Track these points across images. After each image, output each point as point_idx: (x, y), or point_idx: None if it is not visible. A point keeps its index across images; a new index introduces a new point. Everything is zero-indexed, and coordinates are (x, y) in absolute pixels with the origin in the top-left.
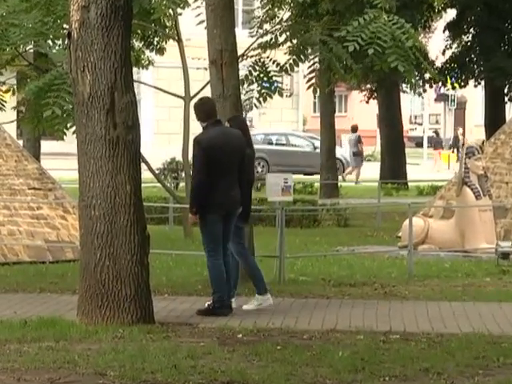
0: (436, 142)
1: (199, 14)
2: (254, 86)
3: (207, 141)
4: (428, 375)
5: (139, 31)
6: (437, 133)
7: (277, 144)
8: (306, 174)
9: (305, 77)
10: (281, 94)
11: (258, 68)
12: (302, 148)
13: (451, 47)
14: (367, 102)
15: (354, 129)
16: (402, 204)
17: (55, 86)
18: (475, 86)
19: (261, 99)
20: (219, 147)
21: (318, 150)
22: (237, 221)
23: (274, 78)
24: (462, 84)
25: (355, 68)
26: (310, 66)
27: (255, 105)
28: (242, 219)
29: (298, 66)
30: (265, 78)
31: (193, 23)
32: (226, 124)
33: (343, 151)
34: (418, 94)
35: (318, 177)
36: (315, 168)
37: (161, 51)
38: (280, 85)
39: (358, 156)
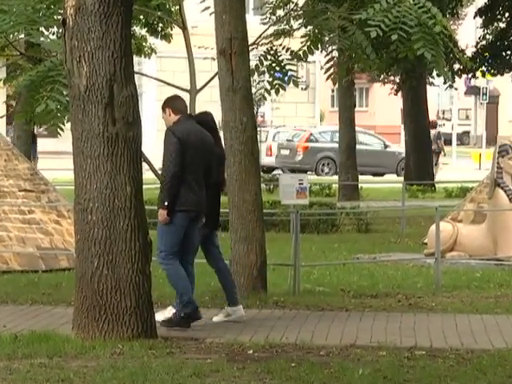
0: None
1: (204, 0)
2: (266, 77)
3: (183, 133)
4: None
5: (141, 17)
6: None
7: None
8: (375, 174)
9: (322, 68)
10: (296, 84)
11: (269, 57)
12: (371, 146)
13: (486, 38)
14: (395, 94)
15: (433, 125)
16: (428, 207)
17: (50, 79)
18: None
19: (272, 91)
20: (193, 142)
21: (389, 149)
22: (206, 228)
23: (288, 68)
24: (495, 73)
25: (374, 58)
26: (328, 54)
27: (264, 97)
28: (212, 225)
29: (312, 53)
30: (277, 68)
31: (199, 9)
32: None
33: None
34: (449, 87)
35: (385, 177)
36: (387, 168)
37: (167, 38)
38: (294, 74)
39: (437, 154)
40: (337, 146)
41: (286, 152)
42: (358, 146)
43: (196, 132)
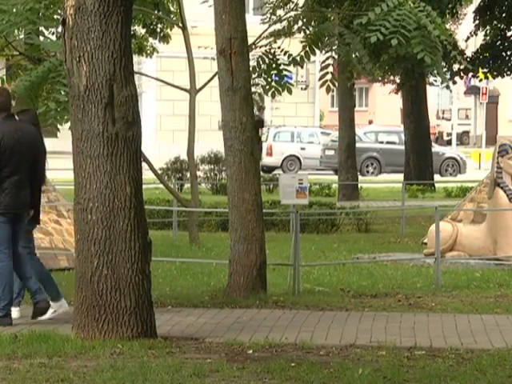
0: None
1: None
2: (261, 80)
3: (1, 135)
4: None
5: (141, 16)
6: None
7: (388, 142)
8: None
9: (321, 69)
10: (290, 91)
11: (267, 60)
12: None
13: (476, 34)
14: (396, 93)
15: None
16: (428, 207)
17: (50, 80)
18: None
19: (264, 95)
20: (12, 143)
21: (432, 149)
22: (27, 224)
23: (284, 73)
24: (495, 74)
25: (368, 64)
26: (324, 61)
27: (258, 102)
28: (32, 221)
29: (309, 59)
30: (273, 72)
31: (199, 9)
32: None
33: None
34: (446, 87)
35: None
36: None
37: (165, 39)
38: (292, 79)
39: None
40: (381, 146)
41: (330, 152)
42: (402, 147)
43: (15, 133)
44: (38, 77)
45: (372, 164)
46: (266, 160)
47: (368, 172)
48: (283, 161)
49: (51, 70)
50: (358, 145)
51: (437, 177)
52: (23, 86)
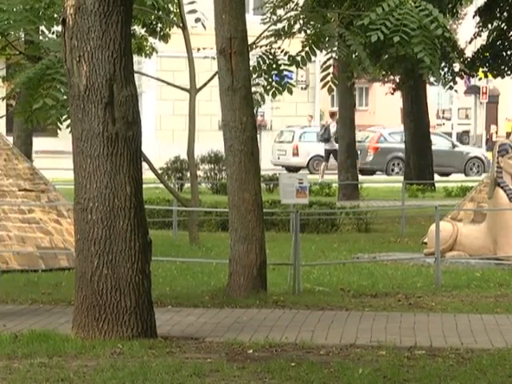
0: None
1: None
2: (262, 81)
3: None
4: None
5: (140, 16)
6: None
7: None
8: (443, 174)
9: (322, 69)
10: (290, 92)
11: (267, 60)
12: (440, 147)
13: (480, 35)
14: (392, 93)
15: None
16: (428, 207)
17: (48, 77)
18: None
19: (265, 95)
20: None
21: (456, 149)
22: None
23: (285, 73)
24: (496, 73)
25: (369, 67)
26: (325, 62)
27: (263, 98)
28: None
29: (310, 60)
30: (274, 72)
31: (199, 8)
32: None
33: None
34: (450, 88)
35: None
36: (454, 168)
37: (165, 38)
38: (292, 80)
39: None
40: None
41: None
42: None
43: None
44: (37, 73)
45: (397, 164)
46: (292, 160)
47: (393, 172)
48: (309, 161)
49: (49, 67)
50: (383, 145)
51: (462, 176)
52: (22, 81)
